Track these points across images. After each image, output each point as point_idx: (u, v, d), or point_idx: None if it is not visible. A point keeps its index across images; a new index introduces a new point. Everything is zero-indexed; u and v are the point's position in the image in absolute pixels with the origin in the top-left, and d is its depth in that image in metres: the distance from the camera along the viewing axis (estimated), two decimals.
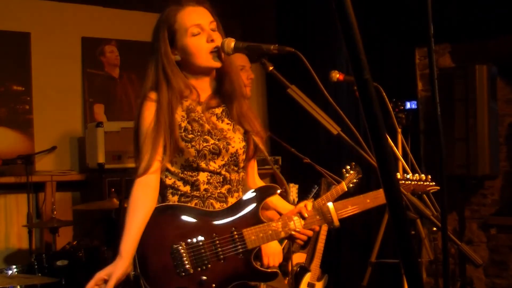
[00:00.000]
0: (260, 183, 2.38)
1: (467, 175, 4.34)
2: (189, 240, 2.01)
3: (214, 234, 2.04)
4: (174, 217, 2.04)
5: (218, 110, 2.20)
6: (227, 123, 2.20)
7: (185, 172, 2.10)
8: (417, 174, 2.38)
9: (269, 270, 2.15)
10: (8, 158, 4.35)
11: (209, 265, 2.01)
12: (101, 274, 2.01)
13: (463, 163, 4.28)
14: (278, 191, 2.13)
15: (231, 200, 2.15)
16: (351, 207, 2.20)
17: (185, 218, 2.04)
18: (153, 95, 2.10)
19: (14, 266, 3.39)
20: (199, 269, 2.00)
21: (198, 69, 2.16)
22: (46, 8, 4.75)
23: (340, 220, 2.21)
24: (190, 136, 2.09)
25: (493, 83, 4.35)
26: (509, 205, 4.56)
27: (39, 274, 3.45)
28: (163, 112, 2.07)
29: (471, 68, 4.25)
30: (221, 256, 2.03)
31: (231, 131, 2.19)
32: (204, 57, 2.12)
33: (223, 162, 2.14)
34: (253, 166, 2.38)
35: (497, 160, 4.43)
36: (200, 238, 2.02)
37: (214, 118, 2.18)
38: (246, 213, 2.10)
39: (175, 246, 1.99)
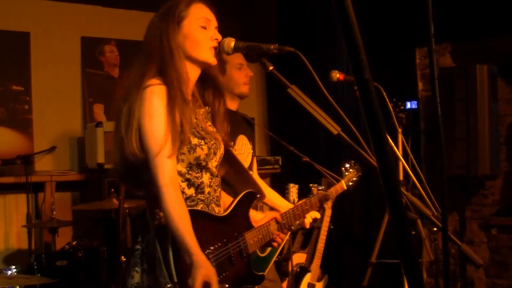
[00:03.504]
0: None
1: (467, 175, 4.33)
2: (211, 247, 1.98)
3: (225, 240, 2.04)
4: (196, 224, 1.92)
5: (201, 111, 2.15)
6: (209, 125, 2.15)
7: (191, 173, 2.02)
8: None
9: (259, 273, 2.20)
10: (7, 158, 4.34)
11: (227, 272, 2.00)
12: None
13: (463, 163, 4.27)
14: (258, 196, 2.26)
15: (222, 204, 2.15)
16: (299, 212, 2.49)
17: (204, 224, 1.99)
18: (156, 81, 1.96)
19: (13, 267, 3.38)
20: (221, 276, 1.96)
21: (195, 60, 2.09)
22: (45, 8, 4.74)
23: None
24: (202, 132, 2.04)
25: (494, 83, 4.34)
26: (509, 205, 4.55)
27: (39, 275, 3.44)
28: (178, 100, 1.95)
29: (472, 68, 4.24)
30: (234, 262, 2.04)
31: (215, 133, 2.15)
32: (205, 50, 2.08)
33: (216, 164, 2.12)
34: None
35: (497, 160, 4.42)
36: (218, 244, 2.01)
37: (201, 118, 2.12)
38: (241, 218, 2.15)
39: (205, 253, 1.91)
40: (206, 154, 2.03)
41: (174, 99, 1.94)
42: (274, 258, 3.02)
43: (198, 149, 2.00)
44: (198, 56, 2.08)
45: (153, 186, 1.93)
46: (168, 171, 1.91)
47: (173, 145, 1.91)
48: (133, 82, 2.00)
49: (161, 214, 1.94)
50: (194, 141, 2.00)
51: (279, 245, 2.79)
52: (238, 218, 2.13)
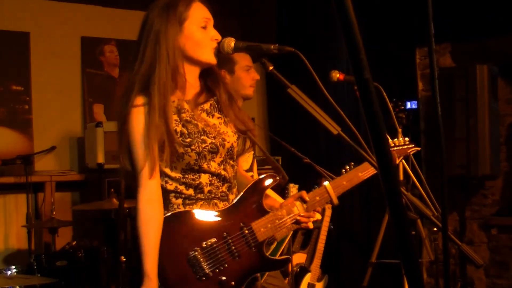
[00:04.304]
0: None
1: (467, 175, 4.33)
2: (203, 245, 2.01)
3: (225, 234, 2.05)
4: (184, 224, 2.02)
5: (207, 105, 2.16)
6: (218, 117, 2.16)
7: (186, 176, 2.06)
8: (396, 139, 2.42)
9: (280, 258, 2.21)
10: (7, 158, 4.34)
11: (226, 265, 2.02)
12: None
13: (463, 163, 4.27)
14: (277, 178, 2.15)
15: (231, 197, 2.15)
16: (346, 183, 2.26)
17: (194, 223, 2.03)
18: (139, 101, 2.03)
19: (13, 267, 3.39)
20: (217, 270, 2.01)
21: (195, 61, 2.11)
22: (45, 8, 4.74)
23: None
24: (188, 140, 2.04)
25: (494, 83, 4.34)
26: (509, 205, 4.55)
27: (39, 275, 3.45)
28: (156, 114, 2.00)
29: (472, 68, 4.24)
30: (236, 254, 2.05)
31: (223, 125, 2.15)
32: (207, 51, 2.09)
33: (221, 159, 2.11)
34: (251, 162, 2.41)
35: (497, 160, 4.42)
36: (213, 240, 2.03)
37: (204, 115, 2.13)
38: (251, 206, 2.11)
39: (191, 253, 1.99)
40: (196, 160, 2.05)
41: (153, 117, 2.00)
42: (277, 257, 3.01)
43: (186, 157, 2.04)
44: (200, 58, 2.10)
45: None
46: (148, 189, 2.01)
47: (151, 167, 2.00)
48: (124, 92, 2.08)
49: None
50: (180, 150, 2.03)
51: (281, 243, 2.78)
52: (247, 207, 2.10)
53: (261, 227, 2.09)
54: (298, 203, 2.14)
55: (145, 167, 2.00)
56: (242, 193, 2.12)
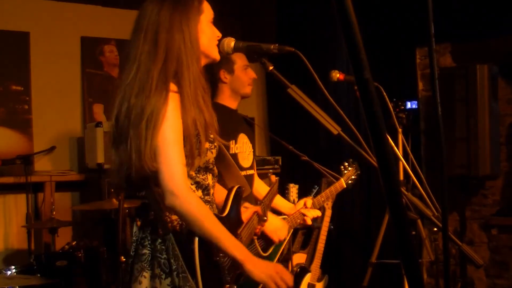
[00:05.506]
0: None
1: (468, 175, 4.33)
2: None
3: None
4: None
5: None
6: None
7: (199, 176, 1.98)
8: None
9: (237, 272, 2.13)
10: (7, 158, 4.33)
11: (235, 271, 1.98)
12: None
13: (464, 163, 4.27)
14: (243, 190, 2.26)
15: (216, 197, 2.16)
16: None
17: None
18: (174, 87, 1.88)
19: (13, 267, 3.38)
20: (231, 275, 1.97)
21: (206, 55, 2.04)
22: (45, 8, 4.74)
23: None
24: (212, 136, 1.99)
25: (494, 83, 4.34)
26: (510, 205, 4.55)
27: (38, 275, 3.44)
28: (192, 107, 1.88)
29: (472, 67, 4.24)
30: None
31: None
32: (213, 46, 2.06)
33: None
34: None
35: (498, 160, 4.42)
36: None
37: None
38: (236, 216, 2.15)
39: (217, 258, 1.93)
40: (215, 157, 2.02)
41: (187, 108, 1.87)
42: (277, 257, 3.02)
43: (208, 153, 1.97)
44: (210, 53, 2.05)
45: (165, 193, 1.83)
46: (184, 179, 1.85)
47: (194, 160, 1.89)
48: (150, 80, 1.86)
49: (173, 217, 1.92)
50: (206, 145, 1.96)
51: (281, 243, 2.82)
52: (234, 217, 2.13)
53: (244, 237, 2.15)
54: (255, 216, 2.31)
55: (184, 161, 1.85)
56: (230, 202, 2.12)
